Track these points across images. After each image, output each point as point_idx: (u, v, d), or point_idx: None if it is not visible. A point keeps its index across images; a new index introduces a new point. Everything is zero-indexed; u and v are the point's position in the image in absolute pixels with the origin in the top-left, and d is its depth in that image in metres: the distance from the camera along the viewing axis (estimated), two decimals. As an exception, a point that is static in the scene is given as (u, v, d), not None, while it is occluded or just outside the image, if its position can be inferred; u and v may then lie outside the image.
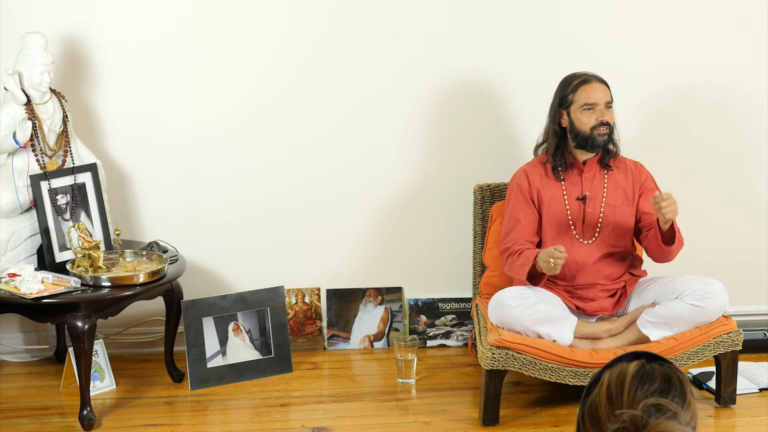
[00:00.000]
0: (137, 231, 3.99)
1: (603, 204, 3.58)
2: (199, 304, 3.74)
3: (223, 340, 3.78)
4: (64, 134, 3.62)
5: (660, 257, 3.56)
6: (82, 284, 3.36)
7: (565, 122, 3.56)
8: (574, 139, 3.54)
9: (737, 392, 3.56)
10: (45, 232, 3.52)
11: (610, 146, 3.58)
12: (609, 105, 3.53)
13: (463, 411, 3.54)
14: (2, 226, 3.48)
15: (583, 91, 3.52)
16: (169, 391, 3.70)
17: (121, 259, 3.58)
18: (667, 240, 3.47)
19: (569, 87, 3.55)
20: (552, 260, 3.30)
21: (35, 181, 3.51)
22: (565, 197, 3.58)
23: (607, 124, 3.51)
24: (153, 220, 3.99)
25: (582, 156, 3.58)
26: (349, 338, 4.13)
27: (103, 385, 3.70)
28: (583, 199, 3.58)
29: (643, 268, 3.69)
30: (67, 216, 3.59)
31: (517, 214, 3.59)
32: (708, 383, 3.68)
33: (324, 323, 4.13)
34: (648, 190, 3.61)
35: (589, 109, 3.50)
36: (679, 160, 4.13)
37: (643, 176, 3.64)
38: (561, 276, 3.55)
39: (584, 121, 3.51)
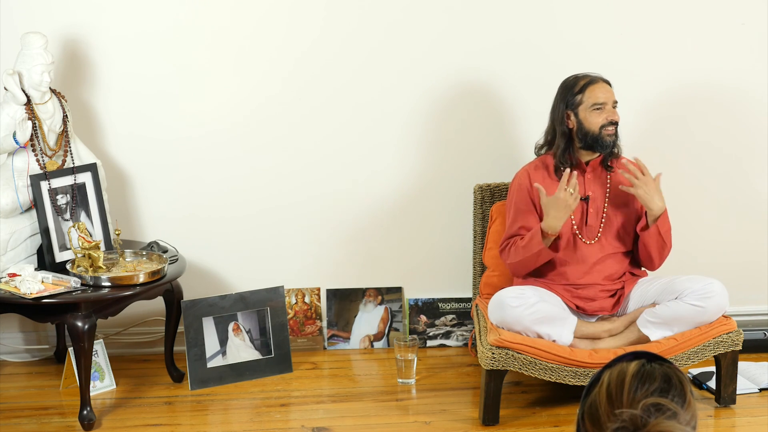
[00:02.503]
0: (137, 231, 3.99)
1: (605, 205, 3.58)
2: (199, 304, 3.74)
3: (223, 340, 3.78)
4: (64, 134, 3.62)
5: (645, 259, 3.58)
6: (82, 284, 3.36)
7: (572, 123, 3.55)
8: (582, 140, 3.54)
9: (737, 392, 3.56)
10: (45, 232, 3.52)
11: (614, 147, 3.59)
12: (615, 104, 3.55)
13: (463, 411, 3.54)
14: (2, 226, 3.48)
15: (591, 91, 3.52)
16: (169, 391, 3.70)
17: (121, 259, 3.59)
18: (652, 239, 3.50)
19: (575, 87, 3.54)
20: (569, 197, 3.37)
21: (35, 181, 3.51)
22: (567, 197, 3.58)
23: (616, 123, 3.52)
24: (153, 220, 3.99)
25: (585, 157, 3.59)
26: (349, 338, 4.13)
27: (103, 385, 3.70)
28: (585, 199, 3.58)
29: (643, 269, 3.69)
30: (67, 216, 3.59)
31: (518, 218, 3.59)
32: (708, 383, 3.68)
33: (324, 323, 4.13)
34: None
35: (598, 109, 3.51)
36: (679, 160, 4.13)
37: None
38: (562, 274, 3.55)
39: (593, 121, 3.51)
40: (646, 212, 3.51)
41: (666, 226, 3.52)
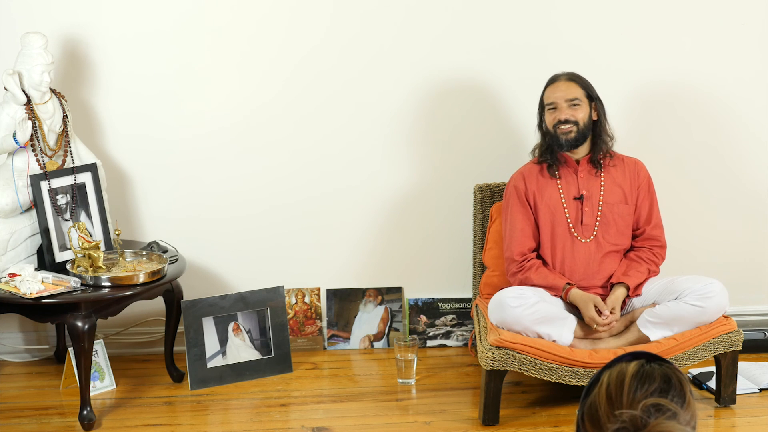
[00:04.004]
0: (137, 231, 3.99)
1: (600, 202, 3.59)
2: (199, 304, 3.74)
3: (223, 340, 3.78)
4: (64, 134, 3.62)
5: None
6: (82, 284, 3.36)
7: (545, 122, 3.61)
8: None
9: (737, 392, 3.56)
10: (45, 232, 3.52)
11: (600, 144, 3.59)
12: (573, 103, 3.55)
13: (463, 411, 3.54)
14: (2, 226, 3.48)
15: (547, 91, 3.61)
16: (169, 391, 3.70)
17: (121, 259, 3.59)
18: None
19: (543, 88, 3.62)
20: (596, 326, 3.43)
21: (35, 181, 3.51)
22: (562, 197, 3.58)
23: (568, 121, 3.54)
24: (153, 220, 3.99)
25: (572, 155, 3.60)
26: (349, 338, 4.13)
27: (103, 385, 3.70)
28: (580, 198, 3.58)
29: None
30: (67, 216, 3.59)
31: (515, 220, 3.60)
32: (708, 383, 3.68)
33: (324, 323, 4.13)
34: (645, 193, 3.62)
35: (552, 108, 3.56)
36: (679, 159, 4.13)
37: (641, 178, 3.64)
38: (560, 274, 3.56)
39: (548, 121, 3.58)
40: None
41: (638, 276, 3.55)
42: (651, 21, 4.02)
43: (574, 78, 3.58)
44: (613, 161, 3.64)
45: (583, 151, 3.60)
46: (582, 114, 3.55)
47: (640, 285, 3.55)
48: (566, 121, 3.53)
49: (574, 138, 3.54)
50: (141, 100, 3.91)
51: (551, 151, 3.60)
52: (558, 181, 3.60)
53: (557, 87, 3.57)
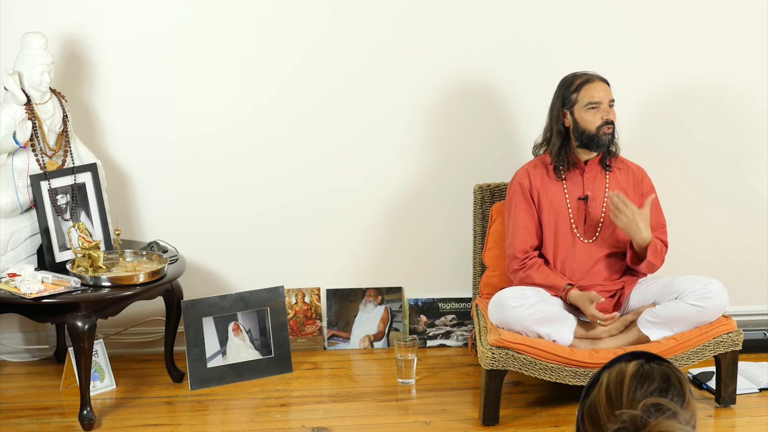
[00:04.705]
0: (137, 231, 3.99)
1: (605, 203, 3.58)
2: (199, 304, 3.74)
3: (223, 340, 3.78)
4: (64, 134, 3.62)
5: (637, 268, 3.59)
6: (82, 284, 3.36)
7: (568, 122, 3.56)
8: (578, 139, 3.55)
9: (737, 392, 3.56)
10: (45, 232, 3.52)
11: (611, 146, 3.59)
12: (612, 104, 3.54)
13: (463, 411, 3.54)
14: (2, 226, 3.48)
15: (587, 90, 3.53)
16: (169, 391, 3.70)
17: (121, 259, 3.59)
18: (635, 259, 3.54)
19: (572, 86, 3.55)
20: (599, 321, 3.43)
21: (35, 181, 3.51)
22: (567, 197, 3.58)
23: (612, 122, 3.52)
24: (153, 220, 3.99)
25: (584, 156, 3.59)
26: (349, 338, 4.13)
27: (103, 385, 3.70)
28: (584, 198, 3.58)
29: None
30: (67, 216, 3.59)
31: (519, 217, 3.59)
32: (708, 383, 3.68)
33: (324, 323, 4.13)
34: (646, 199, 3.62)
35: (593, 108, 3.51)
36: (679, 159, 4.13)
37: (645, 185, 3.64)
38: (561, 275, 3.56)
39: (589, 120, 3.52)
40: (631, 243, 3.52)
41: (654, 254, 3.51)
42: (651, 21, 4.02)
43: (606, 80, 3.57)
44: (617, 164, 3.64)
45: (591, 152, 3.59)
46: (615, 116, 3.55)
47: (653, 252, 3.51)
48: (611, 122, 3.52)
49: (611, 139, 3.54)
50: (141, 99, 3.91)
51: (566, 151, 3.58)
52: (563, 181, 3.60)
53: (599, 86, 3.53)
